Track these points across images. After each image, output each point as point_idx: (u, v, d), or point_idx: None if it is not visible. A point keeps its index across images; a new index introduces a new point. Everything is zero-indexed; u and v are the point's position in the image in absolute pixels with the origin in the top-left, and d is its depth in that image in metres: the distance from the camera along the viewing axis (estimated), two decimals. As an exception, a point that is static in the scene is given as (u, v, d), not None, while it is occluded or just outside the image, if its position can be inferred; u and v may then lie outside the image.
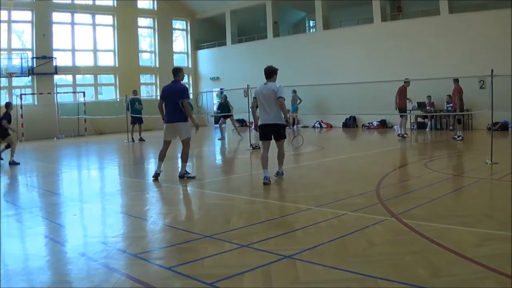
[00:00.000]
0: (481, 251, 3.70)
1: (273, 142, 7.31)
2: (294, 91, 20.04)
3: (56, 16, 21.39)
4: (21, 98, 19.42)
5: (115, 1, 23.29)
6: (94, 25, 22.73)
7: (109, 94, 23.77)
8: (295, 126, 20.91)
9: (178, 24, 26.50)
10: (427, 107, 17.13)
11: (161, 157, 8.07)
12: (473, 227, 4.40)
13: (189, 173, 7.96)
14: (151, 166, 11.22)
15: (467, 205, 5.56)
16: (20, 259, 4.01)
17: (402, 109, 14.18)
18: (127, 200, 6.75)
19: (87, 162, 12.70)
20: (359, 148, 13.29)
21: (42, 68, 20.42)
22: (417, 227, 4.41)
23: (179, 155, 8.44)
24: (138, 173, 9.81)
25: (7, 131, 10.99)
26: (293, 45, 21.64)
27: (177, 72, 8.10)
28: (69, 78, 22.51)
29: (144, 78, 25.18)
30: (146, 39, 25.47)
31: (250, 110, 9.16)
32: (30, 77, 20.61)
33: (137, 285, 3.28)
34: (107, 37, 23.28)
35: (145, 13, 24.73)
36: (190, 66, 26.55)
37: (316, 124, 21.16)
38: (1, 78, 19.62)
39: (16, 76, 19.98)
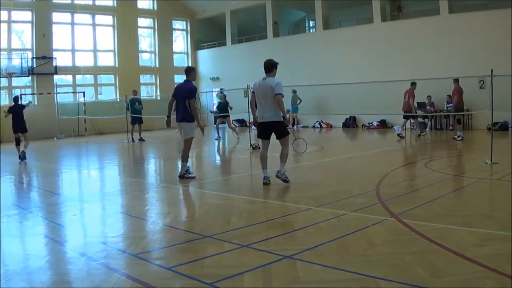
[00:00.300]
0: (481, 251, 3.71)
1: (278, 142, 7.07)
2: (294, 91, 20.04)
3: (56, 16, 21.39)
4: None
5: (115, 1, 23.29)
6: (94, 25, 22.74)
7: (109, 94, 23.78)
8: (295, 126, 20.91)
9: (178, 24, 26.50)
10: (427, 107, 17.13)
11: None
12: (473, 227, 4.40)
13: (189, 173, 7.95)
14: (151, 166, 11.24)
15: (467, 205, 5.56)
16: (20, 259, 4.01)
17: (408, 111, 14.28)
18: (127, 200, 6.75)
19: (87, 162, 12.70)
20: (359, 148, 13.29)
21: (42, 68, 20.43)
22: (417, 227, 4.41)
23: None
24: (138, 173, 9.81)
25: (26, 127, 11.87)
26: (293, 45, 21.64)
27: (188, 71, 8.12)
28: (69, 78, 22.51)
29: (144, 78, 25.18)
30: (146, 39, 25.47)
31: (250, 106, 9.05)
32: (30, 77, 20.62)
33: (137, 285, 3.28)
34: (107, 37, 23.28)
35: (145, 13, 24.73)
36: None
37: (316, 124, 21.16)
38: (1, 78, 19.63)
39: (16, 76, 19.99)
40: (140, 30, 24.61)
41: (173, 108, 8.20)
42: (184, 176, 7.86)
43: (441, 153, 11.05)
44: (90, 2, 22.60)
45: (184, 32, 26.81)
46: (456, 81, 13.18)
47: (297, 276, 3.35)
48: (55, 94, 20.77)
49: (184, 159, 7.93)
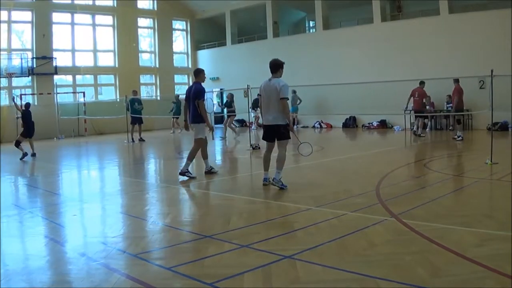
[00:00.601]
0: (481, 251, 3.71)
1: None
2: (294, 92, 20.04)
3: (56, 16, 21.38)
4: (21, 99, 19.39)
5: (115, 1, 23.28)
6: (94, 25, 22.73)
7: (109, 94, 23.77)
8: (295, 127, 20.91)
9: (178, 24, 26.49)
10: (427, 107, 17.11)
11: (202, 156, 8.30)
12: (473, 227, 4.40)
13: (190, 173, 7.97)
14: (151, 167, 11.24)
15: (467, 205, 5.56)
16: (20, 259, 4.01)
17: (418, 110, 14.34)
18: (127, 200, 6.75)
19: (87, 162, 12.70)
20: (359, 148, 13.30)
21: (42, 68, 20.42)
22: (417, 227, 4.41)
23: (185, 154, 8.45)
24: (138, 173, 9.81)
25: (34, 131, 12.45)
26: (293, 45, 21.64)
27: (198, 73, 8.26)
28: (69, 78, 22.50)
29: (144, 79, 25.17)
30: (146, 39, 25.46)
31: (250, 109, 9.05)
32: (30, 77, 20.61)
33: (137, 285, 3.28)
34: (107, 37, 23.28)
35: (145, 13, 24.73)
36: (190, 66, 26.54)
37: (316, 124, 21.16)
38: (1, 79, 19.62)
39: (16, 77, 19.98)
40: (140, 30, 24.61)
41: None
42: (185, 174, 7.90)
43: (441, 153, 11.05)
44: (90, 2, 22.59)
45: (184, 32, 26.80)
46: (456, 81, 13.19)
47: (297, 276, 3.35)
48: (55, 94, 20.76)
49: (190, 158, 8.00)
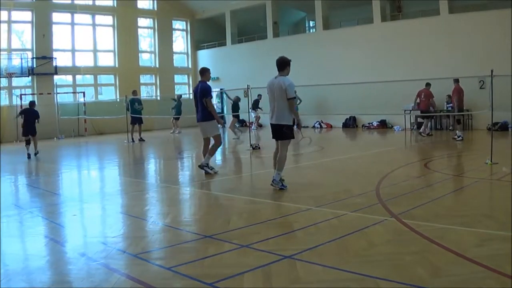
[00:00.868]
0: (481, 251, 3.71)
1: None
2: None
3: (56, 16, 21.37)
4: (21, 99, 19.40)
5: (115, 1, 23.28)
6: (94, 25, 22.72)
7: (109, 94, 23.76)
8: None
9: (178, 24, 26.49)
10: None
11: (204, 153, 8.52)
12: (473, 227, 4.40)
13: (209, 168, 8.21)
14: (151, 167, 11.24)
15: (467, 205, 5.55)
16: (20, 259, 4.01)
17: (425, 110, 14.45)
18: (127, 200, 6.76)
19: (87, 162, 12.70)
20: (359, 148, 13.29)
21: (42, 68, 20.40)
22: (417, 227, 4.41)
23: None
24: (138, 173, 9.81)
25: (36, 130, 12.61)
26: (293, 45, 21.61)
27: (202, 72, 8.47)
28: (69, 78, 22.49)
29: (144, 79, 25.17)
30: (146, 39, 25.47)
31: (250, 109, 9.05)
32: (30, 77, 20.59)
33: (137, 285, 3.28)
34: (107, 38, 23.28)
35: (145, 13, 24.72)
36: (190, 66, 26.56)
37: (316, 124, 21.15)
38: (1, 79, 19.60)
39: (16, 77, 19.96)
40: (140, 30, 24.60)
41: None
42: (204, 168, 8.20)
43: (441, 153, 11.04)
44: (90, 2, 22.58)
45: (184, 32, 26.79)
46: (456, 81, 13.20)
47: (297, 276, 3.35)
48: (55, 94, 20.75)
49: (211, 153, 8.29)
